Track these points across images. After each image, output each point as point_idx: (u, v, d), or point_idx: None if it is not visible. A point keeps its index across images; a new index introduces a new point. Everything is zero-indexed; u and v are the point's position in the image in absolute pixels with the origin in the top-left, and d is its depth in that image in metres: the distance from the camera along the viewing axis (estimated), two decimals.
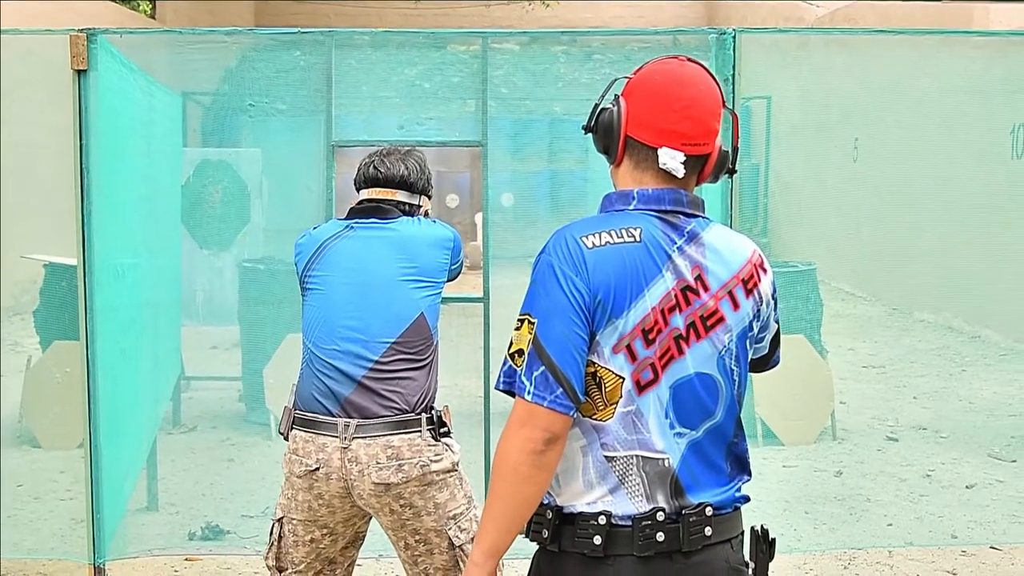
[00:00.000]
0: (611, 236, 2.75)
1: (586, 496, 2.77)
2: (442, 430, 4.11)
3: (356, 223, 4.22)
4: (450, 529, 4.10)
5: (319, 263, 4.17)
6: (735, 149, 2.98)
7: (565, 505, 2.79)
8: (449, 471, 4.11)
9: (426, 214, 4.37)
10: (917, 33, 8.75)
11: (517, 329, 2.76)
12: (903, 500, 7.75)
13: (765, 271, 2.92)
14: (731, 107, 3.07)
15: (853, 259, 14.48)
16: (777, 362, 3.16)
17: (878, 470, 8.44)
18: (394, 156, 4.30)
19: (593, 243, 2.74)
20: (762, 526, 2.97)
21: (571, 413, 2.69)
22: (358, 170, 4.32)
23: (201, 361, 10.56)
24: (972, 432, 9.48)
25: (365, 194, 4.28)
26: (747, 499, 2.93)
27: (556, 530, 2.79)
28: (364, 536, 4.34)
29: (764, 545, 2.95)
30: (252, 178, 9.94)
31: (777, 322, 3.05)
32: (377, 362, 4.05)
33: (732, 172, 2.98)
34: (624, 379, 2.73)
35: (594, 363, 2.73)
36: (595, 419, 2.75)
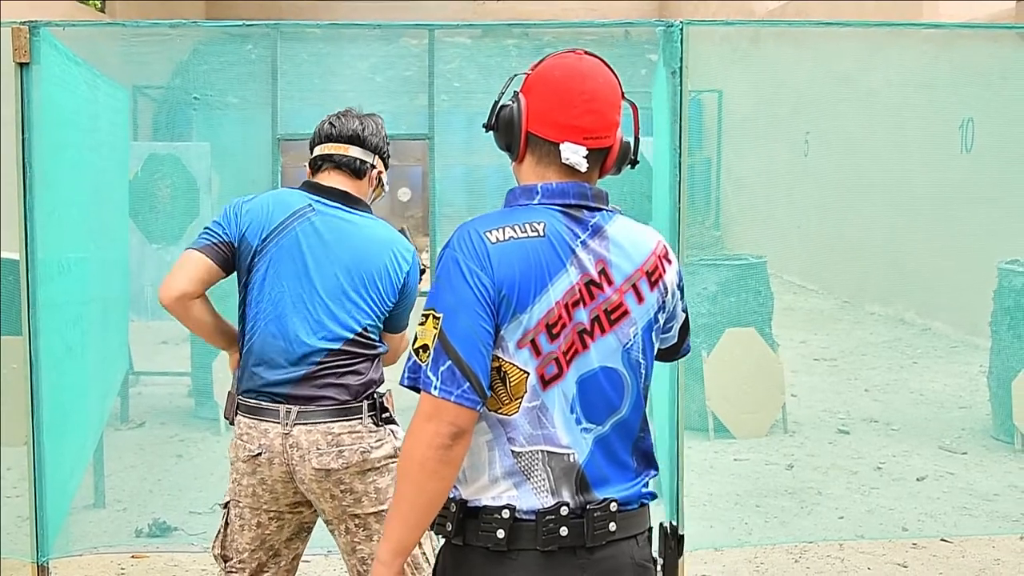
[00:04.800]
0: (515, 231, 2.76)
1: (491, 490, 2.77)
2: (384, 416, 4.10)
3: (319, 202, 4.16)
4: None
5: (273, 250, 4.09)
6: (636, 140, 2.96)
7: (470, 499, 2.79)
8: (391, 457, 4.10)
9: (379, 176, 4.32)
10: (866, 25, 8.77)
11: (422, 324, 2.76)
12: (854, 493, 7.77)
13: (670, 261, 2.93)
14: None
15: (804, 252, 14.53)
16: (687, 351, 3.20)
17: (829, 463, 8.46)
18: (351, 115, 4.28)
19: (497, 238, 2.74)
20: (671, 522, 3.00)
21: (478, 407, 2.69)
22: (315, 131, 4.29)
23: (150, 356, 10.51)
24: (923, 424, 9.53)
25: (319, 150, 4.23)
26: (654, 496, 2.95)
27: (460, 523, 2.79)
28: (310, 530, 4.31)
29: (672, 541, 2.97)
30: (201, 172, 9.86)
31: (685, 311, 3.08)
32: (321, 363, 4.04)
33: (634, 163, 3.00)
34: (529, 374, 2.74)
35: (499, 358, 2.73)
36: (501, 413, 2.76)
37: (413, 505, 2.72)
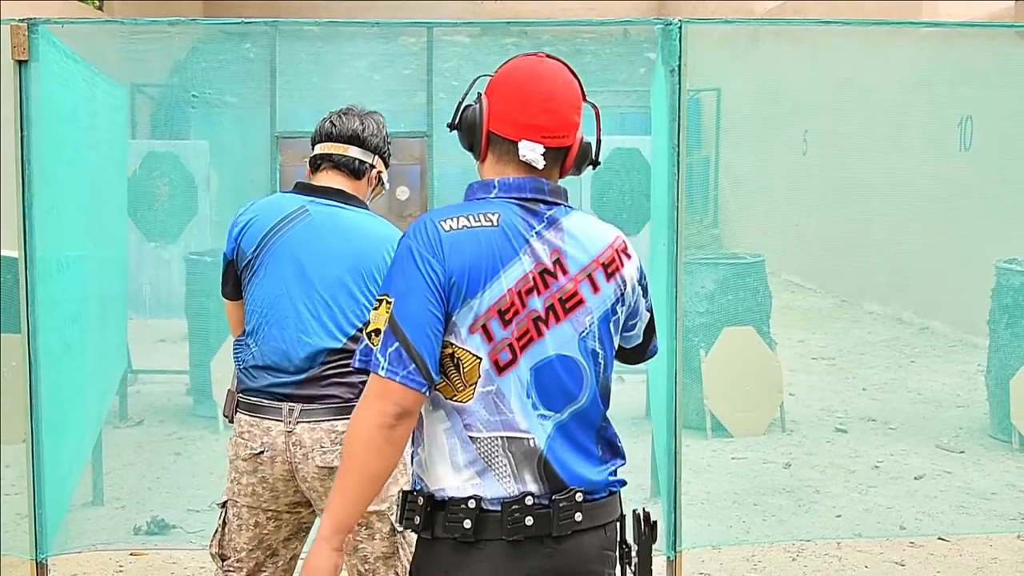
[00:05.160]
0: (468, 220, 2.85)
1: (454, 479, 2.83)
2: None
3: (313, 202, 4.16)
4: (393, 514, 4.08)
5: (268, 256, 4.10)
6: (598, 141, 3.05)
7: (436, 491, 2.85)
8: None
9: (379, 176, 4.32)
10: (865, 24, 8.77)
11: (375, 309, 2.84)
12: (852, 491, 7.78)
13: (629, 256, 3.01)
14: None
15: (803, 251, 14.53)
16: (655, 351, 3.26)
17: (827, 462, 8.47)
18: (352, 114, 4.29)
19: (450, 226, 2.83)
20: (644, 509, 3.04)
21: (423, 390, 2.77)
22: (316, 128, 4.30)
23: (148, 354, 10.51)
24: (921, 423, 9.53)
25: (319, 149, 4.24)
26: (623, 483, 3.01)
27: (428, 516, 2.86)
28: (308, 530, 4.31)
29: (646, 528, 3.01)
30: (199, 170, 9.85)
31: (649, 310, 3.15)
32: (325, 363, 4.04)
33: (595, 164, 3.08)
34: (481, 359, 2.81)
35: (451, 344, 2.82)
36: (456, 400, 2.83)
37: (356, 482, 2.80)
